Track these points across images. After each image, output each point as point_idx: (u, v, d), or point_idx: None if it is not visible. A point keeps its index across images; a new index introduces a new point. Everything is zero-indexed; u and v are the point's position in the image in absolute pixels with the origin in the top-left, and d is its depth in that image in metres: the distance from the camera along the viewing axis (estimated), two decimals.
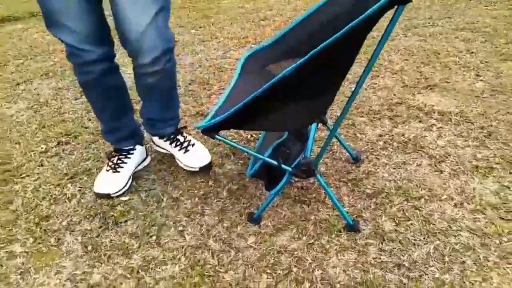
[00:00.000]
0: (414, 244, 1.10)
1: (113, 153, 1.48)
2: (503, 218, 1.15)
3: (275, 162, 1.08)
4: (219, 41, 2.94)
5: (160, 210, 1.31)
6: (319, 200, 1.28)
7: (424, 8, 3.19)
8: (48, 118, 1.99)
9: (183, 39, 3.06)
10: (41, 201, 1.40)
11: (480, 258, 1.04)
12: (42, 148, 1.72)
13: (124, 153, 1.45)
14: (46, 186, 1.48)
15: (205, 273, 1.06)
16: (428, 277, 1.00)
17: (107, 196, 1.36)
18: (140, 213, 1.30)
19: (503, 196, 1.22)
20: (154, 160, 1.58)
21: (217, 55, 2.65)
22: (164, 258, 1.12)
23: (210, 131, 1.01)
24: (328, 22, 1.17)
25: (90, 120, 1.93)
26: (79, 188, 1.45)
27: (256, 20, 3.42)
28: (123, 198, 1.37)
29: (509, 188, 1.25)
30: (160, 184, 1.43)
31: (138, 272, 1.09)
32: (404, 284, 0.99)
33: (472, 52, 2.28)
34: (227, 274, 1.05)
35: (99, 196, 1.37)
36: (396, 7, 0.79)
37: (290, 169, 1.10)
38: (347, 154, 1.47)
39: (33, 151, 1.71)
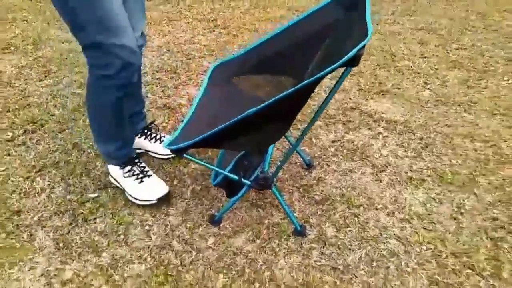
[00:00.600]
0: (350, 249, 1.29)
1: (129, 166, 1.44)
2: (425, 228, 1.36)
3: (235, 177, 1.22)
4: (188, 22, 2.95)
5: (128, 208, 1.42)
6: (274, 204, 1.43)
7: (389, 2, 3.32)
8: (13, 102, 1.99)
9: (151, 15, 3.04)
10: (11, 195, 1.46)
11: (401, 264, 1.25)
12: (8, 136, 1.75)
13: (137, 159, 1.46)
14: (15, 178, 1.53)
15: (169, 273, 1.21)
16: (357, 279, 1.20)
17: (168, 194, 1.42)
18: (108, 211, 1.41)
19: (428, 207, 1.43)
20: None
21: (185, 39, 2.68)
22: (132, 257, 1.25)
23: (178, 152, 1.12)
24: (297, 44, 1.28)
25: (56, 106, 1.96)
26: (48, 182, 1.52)
27: (226, 0, 3.41)
28: (92, 195, 1.47)
29: (435, 200, 1.47)
30: None
31: (107, 270, 1.21)
32: (337, 285, 1.18)
33: (425, 57, 2.46)
34: (188, 274, 1.20)
35: (162, 199, 1.41)
36: (345, 68, 0.91)
37: (249, 182, 1.24)
38: (301, 159, 1.62)
39: None
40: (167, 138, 1.18)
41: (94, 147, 1.68)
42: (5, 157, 1.64)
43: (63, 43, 2.59)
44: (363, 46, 0.84)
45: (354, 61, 0.86)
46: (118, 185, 1.48)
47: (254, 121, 1.00)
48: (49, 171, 1.57)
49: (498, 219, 1.39)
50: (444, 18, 3.02)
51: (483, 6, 3.27)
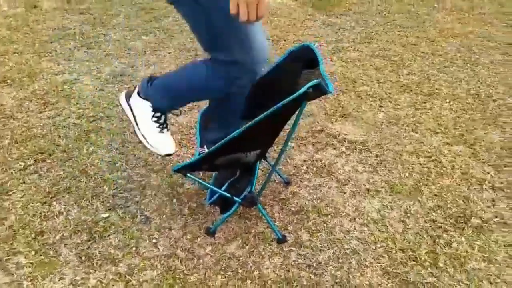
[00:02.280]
0: (320, 250, 1.61)
1: (160, 113, 1.54)
2: (379, 230, 1.70)
3: (228, 195, 1.52)
4: (170, 52, 3.24)
5: (136, 225, 1.70)
6: (258, 216, 1.74)
7: (349, 30, 3.73)
8: (19, 134, 2.22)
9: (135, 46, 3.31)
10: (32, 218, 1.70)
11: (361, 260, 1.58)
12: (20, 165, 1.99)
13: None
14: (33, 203, 1.77)
15: (177, 276, 1.49)
16: (327, 273, 1.52)
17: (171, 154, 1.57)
18: (120, 228, 1.68)
19: (382, 213, 1.78)
20: (124, 179, 1.93)
21: (170, 69, 2.96)
22: (144, 265, 1.53)
23: (180, 171, 1.43)
24: (264, 91, 1.59)
25: (60, 137, 2.20)
26: (64, 206, 1.77)
27: None
28: (104, 215, 1.73)
29: (387, 207, 1.82)
30: (133, 203, 1.80)
31: (125, 276, 1.48)
32: (312, 279, 1.50)
33: (380, 82, 2.86)
34: (193, 276, 1.49)
35: (168, 155, 1.57)
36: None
37: (239, 200, 1.54)
38: (279, 177, 1.94)
39: (12, 168, 1.96)
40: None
41: (100, 173, 1.94)
42: (21, 185, 1.87)
43: (56, 75, 2.83)
44: (314, 86, 1.17)
45: (305, 97, 1.19)
46: (129, 115, 1.58)
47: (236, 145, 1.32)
48: (63, 196, 1.82)
49: (436, 220, 1.76)
50: (397, 45, 3.45)
51: (432, 32, 3.73)
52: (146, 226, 1.69)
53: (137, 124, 1.57)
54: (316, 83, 1.18)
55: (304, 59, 1.44)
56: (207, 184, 1.62)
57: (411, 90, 2.75)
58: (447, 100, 2.65)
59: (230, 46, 1.29)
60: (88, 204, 1.78)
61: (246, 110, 1.53)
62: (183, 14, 1.37)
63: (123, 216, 1.73)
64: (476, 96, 2.70)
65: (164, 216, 1.74)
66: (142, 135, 1.56)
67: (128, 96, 1.63)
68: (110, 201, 1.80)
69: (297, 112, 1.32)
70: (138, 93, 1.59)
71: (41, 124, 2.30)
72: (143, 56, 3.14)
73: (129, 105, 1.60)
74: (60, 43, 3.28)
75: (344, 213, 1.78)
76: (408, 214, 1.78)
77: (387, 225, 1.73)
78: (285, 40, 3.46)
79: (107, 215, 1.73)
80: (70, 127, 2.28)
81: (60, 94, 2.59)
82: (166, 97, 1.52)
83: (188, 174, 1.54)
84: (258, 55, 1.33)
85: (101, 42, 3.34)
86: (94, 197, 1.82)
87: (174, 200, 1.82)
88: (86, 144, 2.15)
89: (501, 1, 4.53)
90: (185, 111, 2.45)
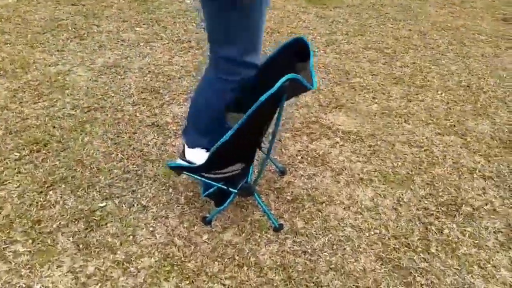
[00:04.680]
0: (315, 237, 1.64)
1: None
2: (373, 218, 1.74)
3: (224, 187, 1.54)
4: (164, 43, 3.23)
5: (133, 214, 1.71)
6: (254, 205, 1.77)
7: (342, 23, 3.75)
8: (13, 124, 2.20)
9: (129, 37, 3.29)
10: (29, 207, 1.71)
11: (355, 246, 1.61)
12: (16, 155, 1.98)
13: None
14: (30, 193, 1.77)
15: (174, 263, 1.51)
16: (322, 259, 1.55)
17: None
18: (116, 217, 1.69)
19: (375, 201, 1.82)
20: (120, 169, 1.94)
21: (164, 60, 2.96)
22: (142, 253, 1.54)
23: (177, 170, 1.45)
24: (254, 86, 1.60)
25: (54, 127, 2.20)
26: (60, 195, 1.78)
27: (197, 20, 3.72)
28: (101, 204, 1.74)
29: (380, 195, 1.85)
30: (130, 192, 1.81)
31: (123, 264, 1.50)
32: (307, 265, 1.53)
33: (373, 74, 2.89)
34: (190, 263, 1.51)
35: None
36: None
37: (236, 191, 1.56)
38: (274, 166, 1.97)
39: (8, 158, 1.96)
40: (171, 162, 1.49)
41: (95, 163, 1.94)
42: (16, 175, 1.87)
43: (49, 66, 2.81)
44: (289, 80, 1.19)
45: (282, 90, 1.21)
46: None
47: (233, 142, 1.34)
48: (59, 186, 1.82)
49: (428, 208, 1.80)
50: (390, 38, 3.48)
51: (425, 25, 3.77)
52: (143, 215, 1.70)
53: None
54: (292, 77, 1.20)
55: (297, 52, 1.46)
56: (203, 179, 1.62)
57: (404, 82, 2.79)
58: (439, 92, 2.69)
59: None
60: (84, 194, 1.79)
61: (235, 104, 1.55)
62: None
63: (119, 205, 1.74)
64: (467, 88, 2.74)
65: (160, 205, 1.75)
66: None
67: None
68: (107, 190, 1.81)
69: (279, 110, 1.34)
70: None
71: (35, 115, 2.29)
72: (136, 47, 3.13)
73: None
74: (52, 34, 3.25)
75: (339, 201, 1.81)
76: (401, 202, 1.82)
77: (380, 212, 1.76)
78: (278, 32, 3.47)
79: (103, 204, 1.74)
80: (65, 117, 2.28)
81: (54, 85, 2.58)
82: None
83: (184, 172, 1.55)
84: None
85: (93, 33, 3.31)
86: (90, 187, 1.83)
87: (170, 190, 1.83)
88: (81, 134, 2.15)
89: None
90: (180, 102, 2.46)
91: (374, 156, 2.09)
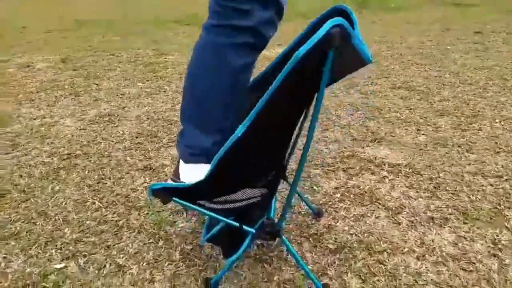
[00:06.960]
0: None
1: None
2: (465, 270, 1.14)
3: (236, 224, 1.00)
4: (167, 95, 2.89)
5: (102, 278, 1.15)
6: (281, 258, 1.19)
7: (362, 68, 3.42)
8: None
9: (129, 92, 2.98)
10: None
11: None
12: None
13: None
14: None
15: None
16: None
17: None
18: (77, 283, 1.13)
19: (461, 246, 1.23)
20: (95, 220, 1.42)
21: (166, 108, 2.59)
22: None
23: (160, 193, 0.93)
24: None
25: (21, 176, 1.73)
26: (4, 255, 1.24)
27: None
28: (58, 266, 1.19)
29: (465, 238, 1.27)
30: (102, 248, 1.27)
31: None
32: None
33: (411, 109, 2.43)
34: None
35: None
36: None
37: (253, 230, 1.02)
38: (306, 207, 1.42)
39: None
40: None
41: (63, 213, 1.43)
42: None
43: (35, 119, 2.44)
44: (338, 26, 0.75)
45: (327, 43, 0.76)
46: None
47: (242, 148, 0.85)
48: (6, 243, 1.30)
49: None
50: (419, 78, 3.10)
51: (454, 67, 3.41)
52: (117, 279, 1.14)
53: None
54: (342, 22, 0.77)
55: None
56: (203, 210, 1.07)
57: (450, 114, 2.32)
58: (496, 121, 2.20)
59: None
60: (38, 252, 1.25)
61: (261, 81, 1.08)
62: None
63: (84, 266, 1.19)
64: None
65: (144, 263, 1.20)
66: None
67: None
68: (70, 247, 1.27)
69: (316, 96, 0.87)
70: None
71: (3, 164, 1.84)
72: (136, 99, 2.79)
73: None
74: (46, 93, 2.97)
75: (407, 249, 1.23)
76: (499, 245, 1.22)
77: (474, 262, 1.17)
78: None
79: (62, 265, 1.20)
80: (37, 165, 1.82)
81: (34, 135, 2.18)
82: None
83: (174, 199, 1.02)
84: None
85: (91, 91, 3.02)
86: (49, 243, 1.30)
87: (161, 243, 1.29)
88: (52, 183, 1.67)
89: None
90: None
91: (439, 190, 1.54)
